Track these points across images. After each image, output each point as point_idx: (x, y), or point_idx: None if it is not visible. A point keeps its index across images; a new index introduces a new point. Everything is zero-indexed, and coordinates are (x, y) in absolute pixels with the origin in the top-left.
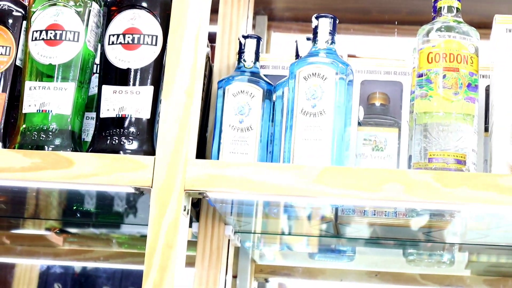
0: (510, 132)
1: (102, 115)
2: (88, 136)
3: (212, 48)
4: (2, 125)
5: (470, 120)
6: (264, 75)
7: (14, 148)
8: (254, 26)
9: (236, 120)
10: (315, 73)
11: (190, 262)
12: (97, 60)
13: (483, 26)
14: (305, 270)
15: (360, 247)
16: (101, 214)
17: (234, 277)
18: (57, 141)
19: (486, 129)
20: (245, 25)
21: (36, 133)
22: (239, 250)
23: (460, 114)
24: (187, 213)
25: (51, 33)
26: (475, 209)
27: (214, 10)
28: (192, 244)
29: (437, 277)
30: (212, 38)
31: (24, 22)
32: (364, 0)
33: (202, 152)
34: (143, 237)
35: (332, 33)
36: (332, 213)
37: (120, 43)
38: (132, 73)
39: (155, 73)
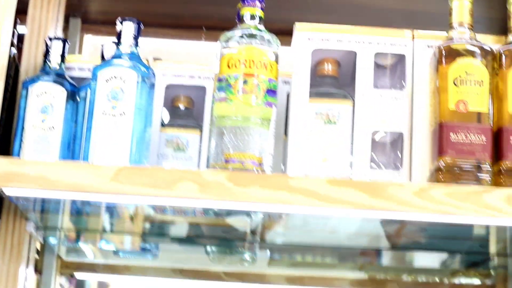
0: (304, 137)
1: None
2: None
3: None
4: None
5: (267, 124)
6: (71, 77)
7: None
8: (67, 29)
9: (39, 120)
10: (117, 76)
11: None
12: None
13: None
14: (110, 267)
15: (163, 244)
16: None
17: (40, 272)
18: None
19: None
20: (55, 28)
21: None
22: (46, 246)
23: (258, 118)
24: None
25: None
26: (268, 208)
27: (24, 12)
28: None
29: (240, 274)
30: (23, 39)
31: None
32: (176, 6)
33: (7, 151)
34: None
35: (136, 37)
36: (133, 211)
37: None
38: None
39: None
